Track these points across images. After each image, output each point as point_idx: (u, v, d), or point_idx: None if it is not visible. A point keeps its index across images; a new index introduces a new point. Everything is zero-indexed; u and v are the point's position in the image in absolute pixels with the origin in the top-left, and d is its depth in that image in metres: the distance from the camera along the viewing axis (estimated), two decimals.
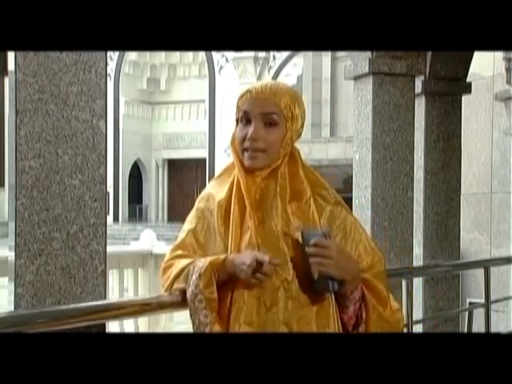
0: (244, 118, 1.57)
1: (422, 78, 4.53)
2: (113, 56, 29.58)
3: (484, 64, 5.77)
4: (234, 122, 1.62)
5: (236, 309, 1.51)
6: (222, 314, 1.53)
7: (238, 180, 1.59)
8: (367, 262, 1.59)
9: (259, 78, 26.84)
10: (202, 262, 1.55)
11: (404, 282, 3.22)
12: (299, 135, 1.62)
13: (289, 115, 1.56)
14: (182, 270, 1.62)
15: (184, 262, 1.63)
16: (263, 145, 1.54)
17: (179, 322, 6.85)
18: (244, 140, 1.56)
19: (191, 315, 1.55)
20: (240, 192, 1.57)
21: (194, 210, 1.69)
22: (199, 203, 1.68)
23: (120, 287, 6.35)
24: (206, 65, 29.92)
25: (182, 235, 1.69)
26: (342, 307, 1.56)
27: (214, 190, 1.66)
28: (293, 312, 1.51)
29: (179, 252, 1.66)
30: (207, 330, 1.50)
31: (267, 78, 25.34)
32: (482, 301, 3.74)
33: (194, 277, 1.55)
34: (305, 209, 1.56)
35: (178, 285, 1.64)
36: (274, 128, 1.55)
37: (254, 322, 1.50)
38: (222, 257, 1.53)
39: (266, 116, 1.55)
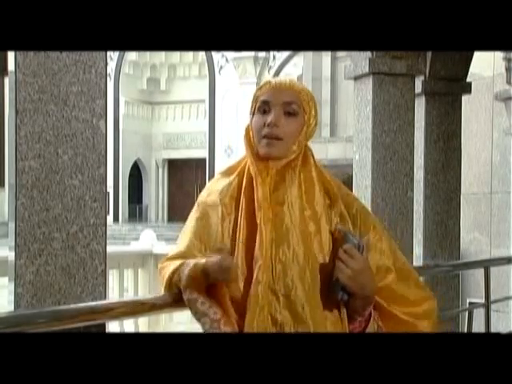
0: (262, 108, 1.56)
1: (422, 78, 4.53)
2: (113, 56, 29.56)
3: (484, 64, 5.77)
4: (251, 117, 1.60)
5: (251, 307, 1.50)
6: (234, 310, 1.52)
7: (249, 173, 1.57)
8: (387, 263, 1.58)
9: (259, 77, 26.82)
10: (189, 266, 1.54)
11: None
12: (312, 135, 1.62)
13: (307, 109, 1.57)
14: (174, 272, 1.61)
15: (176, 263, 1.61)
16: (282, 133, 1.53)
17: (179, 322, 6.85)
18: (261, 127, 1.54)
19: (199, 319, 1.52)
20: (251, 185, 1.55)
21: (196, 206, 1.67)
22: (200, 201, 1.66)
23: (120, 287, 6.34)
24: (206, 65, 29.89)
25: (182, 236, 1.68)
26: (350, 319, 1.56)
27: (219, 185, 1.64)
28: (306, 315, 1.50)
29: (175, 252, 1.65)
30: (222, 325, 1.48)
31: (267, 78, 25.21)
32: (482, 301, 3.74)
33: (184, 283, 1.54)
34: (316, 211, 1.55)
35: (175, 286, 1.64)
36: (294, 118, 1.55)
37: (266, 324, 1.49)
38: (202, 262, 1.51)
39: (287, 105, 1.54)
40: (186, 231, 1.66)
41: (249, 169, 1.58)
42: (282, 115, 1.54)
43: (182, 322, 6.85)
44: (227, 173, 1.65)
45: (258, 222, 1.51)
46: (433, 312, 1.63)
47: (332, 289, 1.49)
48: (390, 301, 1.57)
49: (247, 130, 1.60)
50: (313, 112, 1.59)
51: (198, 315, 1.53)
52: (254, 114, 1.59)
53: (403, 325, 1.57)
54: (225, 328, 1.48)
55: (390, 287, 1.57)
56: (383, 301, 1.56)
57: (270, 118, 1.53)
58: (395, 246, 1.65)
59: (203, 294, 1.52)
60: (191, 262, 1.54)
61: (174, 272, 1.60)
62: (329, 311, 1.52)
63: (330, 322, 1.52)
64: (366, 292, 1.50)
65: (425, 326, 1.59)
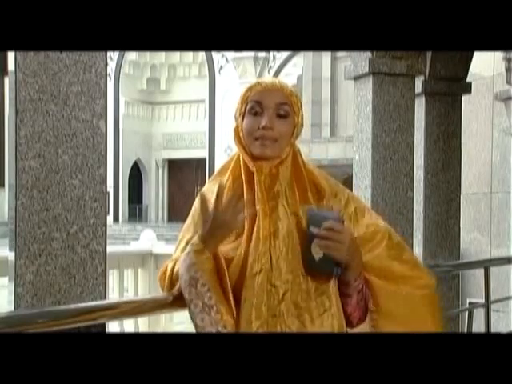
0: (254, 109, 1.57)
1: (422, 78, 4.53)
2: (113, 56, 29.58)
3: (484, 64, 5.78)
4: (240, 118, 1.59)
5: (246, 306, 1.51)
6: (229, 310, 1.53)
7: (244, 172, 1.59)
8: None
9: (259, 77, 26.78)
10: (188, 250, 1.54)
11: None
12: (299, 134, 1.64)
13: (297, 110, 1.59)
14: (173, 269, 1.62)
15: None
16: (276, 134, 1.55)
17: (179, 322, 6.85)
18: (255, 130, 1.55)
19: (191, 300, 1.49)
20: (247, 183, 1.57)
21: (191, 215, 1.69)
22: (194, 208, 1.69)
23: (120, 287, 6.35)
24: (206, 65, 29.93)
25: (181, 243, 1.68)
26: (345, 297, 1.56)
27: (212, 188, 1.66)
28: (303, 304, 1.52)
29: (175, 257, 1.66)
30: (213, 313, 1.48)
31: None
32: (482, 301, 3.74)
33: (184, 265, 1.52)
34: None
35: (176, 284, 1.64)
36: (285, 119, 1.57)
37: (264, 316, 1.50)
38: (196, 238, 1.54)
39: (279, 106, 1.56)
40: (184, 238, 1.67)
41: (241, 168, 1.60)
42: (274, 117, 1.56)
43: (181, 322, 6.85)
44: (219, 174, 1.67)
45: (257, 217, 1.54)
46: (430, 286, 1.63)
47: (319, 268, 1.50)
48: (383, 277, 1.58)
49: (237, 131, 1.61)
50: (301, 113, 1.61)
51: (192, 296, 1.49)
52: (244, 115, 1.59)
53: (399, 299, 1.59)
54: (215, 316, 1.47)
55: (380, 256, 1.59)
56: (377, 278, 1.57)
57: (264, 121, 1.54)
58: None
59: (207, 278, 1.50)
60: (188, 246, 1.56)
61: (174, 266, 1.61)
62: (323, 293, 1.54)
63: (322, 304, 1.53)
64: (357, 259, 1.52)
65: (422, 295, 1.59)
